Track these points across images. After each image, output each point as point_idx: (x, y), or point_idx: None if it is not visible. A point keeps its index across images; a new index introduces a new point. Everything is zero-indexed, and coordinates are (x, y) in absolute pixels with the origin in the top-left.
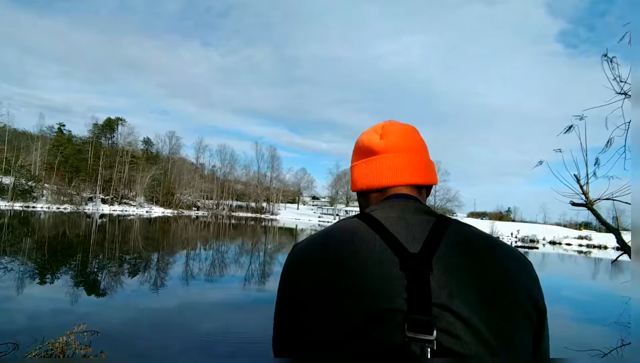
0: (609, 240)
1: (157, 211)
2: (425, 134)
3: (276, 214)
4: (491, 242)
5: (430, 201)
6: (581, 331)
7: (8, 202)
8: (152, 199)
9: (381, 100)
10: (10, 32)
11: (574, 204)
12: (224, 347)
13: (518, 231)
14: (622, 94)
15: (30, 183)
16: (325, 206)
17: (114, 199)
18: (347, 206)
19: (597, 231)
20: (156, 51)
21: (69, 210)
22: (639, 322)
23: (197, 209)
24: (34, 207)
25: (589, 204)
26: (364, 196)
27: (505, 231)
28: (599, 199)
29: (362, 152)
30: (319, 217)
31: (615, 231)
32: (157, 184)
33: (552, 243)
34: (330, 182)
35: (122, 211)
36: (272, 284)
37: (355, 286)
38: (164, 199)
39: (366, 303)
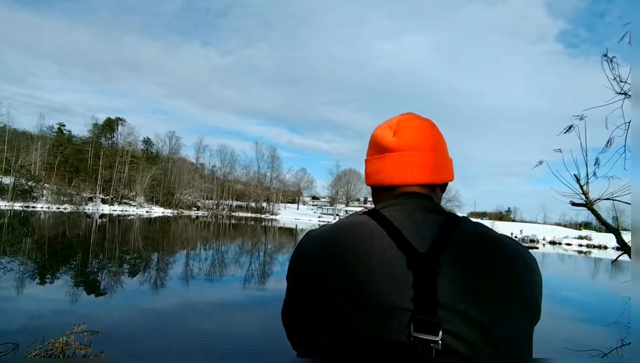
0: (609, 240)
1: (157, 211)
2: None
3: (276, 214)
4: (500, 241)
5: None
6: (581, 331)
7: (8, 202)
8: (152, 199)
9: (381, 100)
10: (10, 32)
11: (574, 204)
12: (223, 347)
13: (521, 231)
14: (622, 94)
15: (30, 183)
16: (325, 206)
17: (114, 199)
18: (347, 206)
19: (597, 231)
20: (156, 51)
21: (69, 210)
22: (639, 322)
23: (197, 209)
24: (34, 207)
25: (589, 204)
26: (376, 191)
27: (506, 232)
28: (599, 199)
29: (375, 147)
30: (319, 217)
31: (615, 231)
32: (157, 184)
33: (552, 243)
34: (330, 182)
35: (122, 211)
36: (272, 284)
37: (362, 283)
38: (164, 199)
39: (372, 300)
